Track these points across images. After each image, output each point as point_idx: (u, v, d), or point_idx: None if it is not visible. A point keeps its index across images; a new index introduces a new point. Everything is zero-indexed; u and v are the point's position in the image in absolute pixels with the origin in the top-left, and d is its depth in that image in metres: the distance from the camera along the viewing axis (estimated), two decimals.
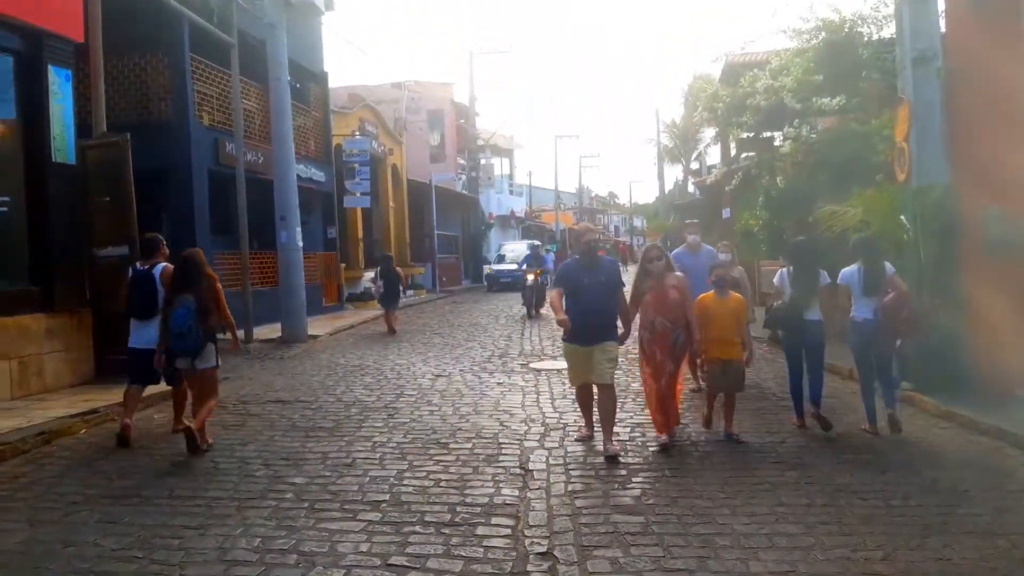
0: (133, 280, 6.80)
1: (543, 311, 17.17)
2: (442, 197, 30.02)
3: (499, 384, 9.27)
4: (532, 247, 22.13)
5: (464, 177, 35.23)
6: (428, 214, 28.69)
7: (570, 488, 5.31)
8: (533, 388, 8.99)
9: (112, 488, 5.45)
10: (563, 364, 7.35)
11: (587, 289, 6.08)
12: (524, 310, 18.09)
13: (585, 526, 4.57)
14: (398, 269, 16.48)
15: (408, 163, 31.53)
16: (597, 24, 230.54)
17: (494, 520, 4.67)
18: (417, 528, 4.56)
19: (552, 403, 8.16)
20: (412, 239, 28.66)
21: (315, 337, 14.56)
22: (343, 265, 21.88)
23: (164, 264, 6.79)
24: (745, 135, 14.57)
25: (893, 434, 6.38)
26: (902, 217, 8.30)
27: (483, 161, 36.52)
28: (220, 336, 6.54)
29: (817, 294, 6.45)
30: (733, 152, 18.72)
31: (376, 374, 10.19)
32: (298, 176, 18.87)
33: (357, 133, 22.50)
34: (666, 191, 43.08)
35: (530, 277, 18.17)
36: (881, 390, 6.52)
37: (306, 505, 4.97)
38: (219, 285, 6.56)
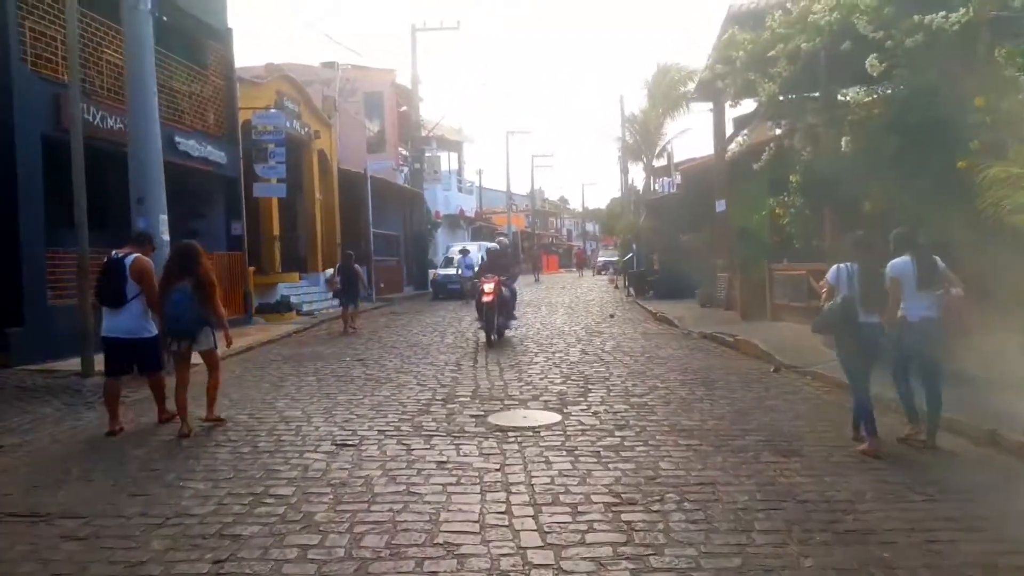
0: (104, 267, 6.75)
1: (508, 335, 13.19)
2: (380, 190, 26.02)
3: (441, 465, 5.50)
4: (491, 249, 14.72)
5: (407, 170, 31.28)
6: (364, 210, 24.68)
7: None
8: (498, 473, 5.26)
9: None
10: (542, 417, 6.59)
11: None
12: (479, 333, 13.28)
13: None
14: (358, 267, 16.22)
15: (341, 152, 27.44)
16: (553, 8, 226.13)
17: None
18: None
19: (536, 515, 4.44)
20: (344, 238, 24.61)
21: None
22: (252, 269, 17.81)
23: (136, 255, 6.71)
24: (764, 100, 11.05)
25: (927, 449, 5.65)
26: None
27: (428, 154, 32.61)
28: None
29: (881, 293, 5.85)
30: (730, 131, 15.26)
31: (240, 443, 6.30)
32: (189, 155, 14.83)
33: (272, 108, 18.43)
34: (629, 188, 39.79)
35: (488, 288, 12.07)
36: (927, 399, 5.84)
37: None
38: (213, 277, 6.76)
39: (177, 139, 14.30)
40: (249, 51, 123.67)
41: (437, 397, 8.05)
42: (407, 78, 32.26)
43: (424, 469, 5.38)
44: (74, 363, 9.86)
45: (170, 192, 16.00)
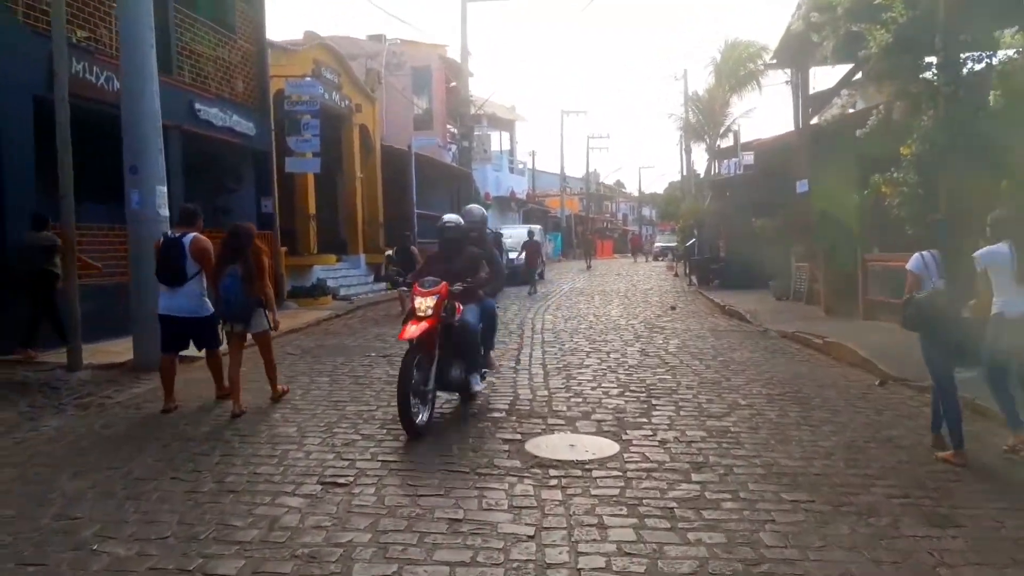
0: (163, 247, 6.68)
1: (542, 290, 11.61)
2: (426, 168, 24.60)
3: (454, 526, 3.98)
4: (446, 227, 6.78)
5: (455, 148, 29.80)
6: (408, 189, 23.33)
7: None
8: (530, 545, 3.73)
9: None
10: (595, 445, 5.35)
11: None
12: (522, 320, 12.73)
13: None
14: (415, 248, 14.60)
15: (386, 128, 26.16)
16: None
17: None
18: None
19: None
20: (387, 219, 23.35)
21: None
22: (284, 249, 16.62)
23: (195, 235, 6.66)
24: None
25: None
26: None
27: (478, 132, 31.08)
28: None
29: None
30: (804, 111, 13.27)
31: (204, 477, 4.92)
32: (211, 124, 13.61)
33: (308, 78, 17.12)
34: (689, 170, 37.62)
35: (422, 306, 5.80)
36: None
37: None
38: (266, 258, 6.74)
39: (198, 106, 13.09)
40: (291, 23, 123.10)
41: (466, 411, 6.57)
42: (457, 52, 30.70)
43: (429, 533, 3.89)
44: (60, 354, 8.70)
45: (194, 165, 14.90)
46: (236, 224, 6.93)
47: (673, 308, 15.43)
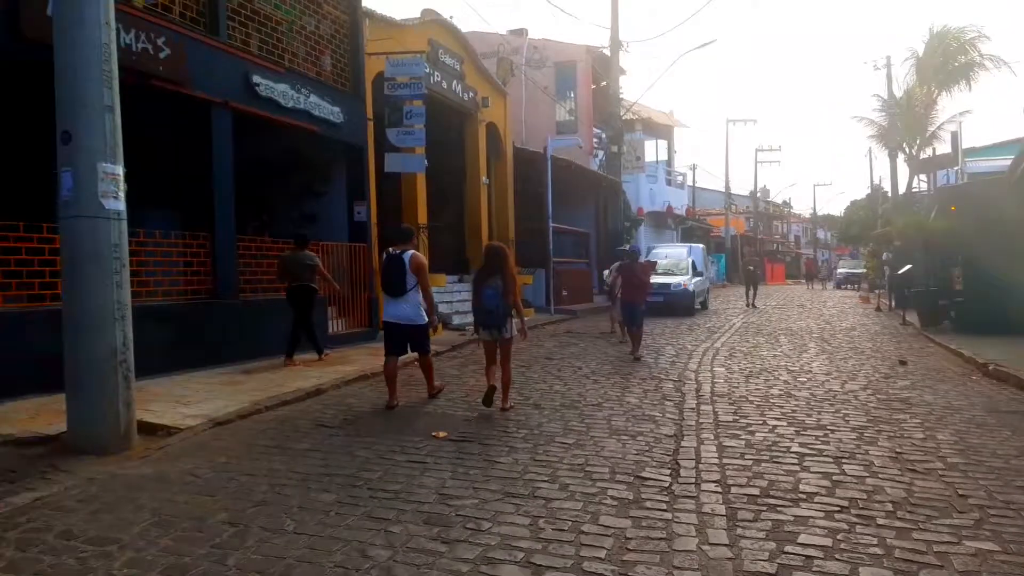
0: (386, 262, 7.51)
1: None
2: (565, 176, 20.91)
3: None
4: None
5: (602, 155, 25.94)
6: (543, 199, 19.74)
7: None
8: None
9: None
10: None
11: None
12: (681, 374, 9.16)
13: None
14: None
15: (525, 134, 22.81)
16: None
17: None
18: None
19: None
20: (519, 233, 19.89)
21: (171, 432, 6.14)
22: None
23: (412, 252, 7.49)
24: None
25: None
26: None
27: (629, 136, 27.04)
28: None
29: None
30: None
31: None
32: (278, 105, 10.63)
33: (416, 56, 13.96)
34: (892, 182, 31.65)
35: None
36: None
37: None
38: (517, 276, 7.65)
39: (256, 79, 10.14)
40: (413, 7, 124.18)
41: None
42: (603, 40, 26.87)
43: None
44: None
45: (269, 160, 12.13)
46: (493, 244, 7.95)
47: (903, 364, 10.66)
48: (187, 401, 7.29)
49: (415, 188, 14.82)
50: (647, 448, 5.73)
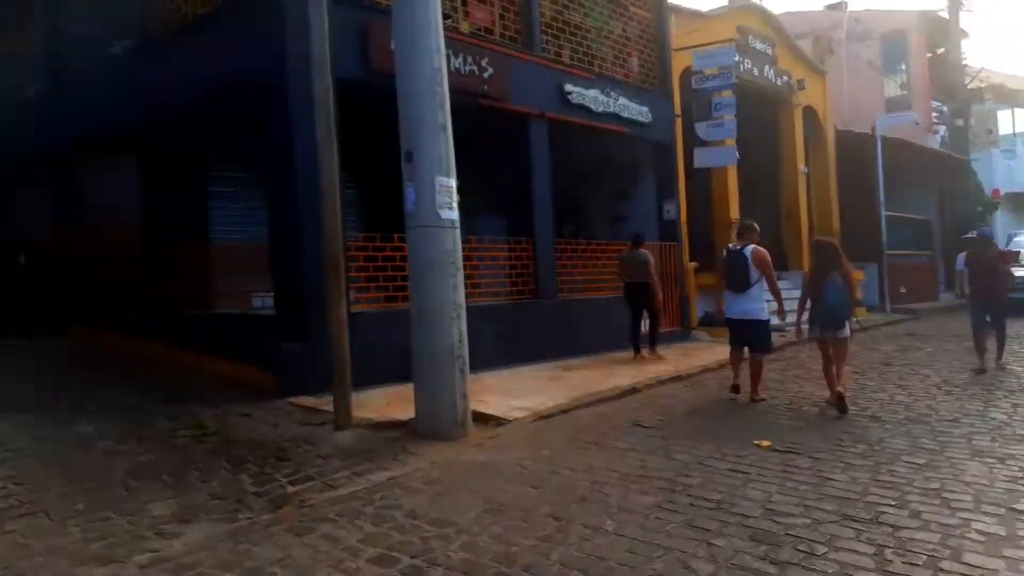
0: (729, 257, 7.57)
1: None
2: (897, 157, 18.60)
3: None
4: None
5: (943, 131, 22.66)
6: (872, 185, 17.80)
7: None
8: None
9: None
10: None
11: None
12: None
13: None
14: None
15: (848, 114, 20.84)
16: None
17: None
18: None
19: None
20: (845, 224, 18.17)
21: (501, 423, 6.59)
22: (693, 265, 13.23)
23: (754, 247, 7.46)
24: None
25: None
26: None
27: (977, 106, 23.28)
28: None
29: None
30: None
31: None
32: (589, 111, 10.95)
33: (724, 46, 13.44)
34: None
35: None
36: None
37: None
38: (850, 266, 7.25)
39: (568, 88, 10.51)
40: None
41: None
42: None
43: None
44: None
45: (577, 163, 12.50)
46: (823, 239, 7.83)
47: None
48: (514, 394, 7.77)
49: (725, 182, 14.29)
50: (1021, 475, 4.80)
